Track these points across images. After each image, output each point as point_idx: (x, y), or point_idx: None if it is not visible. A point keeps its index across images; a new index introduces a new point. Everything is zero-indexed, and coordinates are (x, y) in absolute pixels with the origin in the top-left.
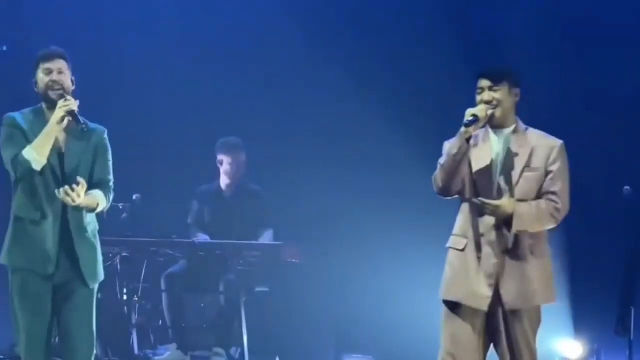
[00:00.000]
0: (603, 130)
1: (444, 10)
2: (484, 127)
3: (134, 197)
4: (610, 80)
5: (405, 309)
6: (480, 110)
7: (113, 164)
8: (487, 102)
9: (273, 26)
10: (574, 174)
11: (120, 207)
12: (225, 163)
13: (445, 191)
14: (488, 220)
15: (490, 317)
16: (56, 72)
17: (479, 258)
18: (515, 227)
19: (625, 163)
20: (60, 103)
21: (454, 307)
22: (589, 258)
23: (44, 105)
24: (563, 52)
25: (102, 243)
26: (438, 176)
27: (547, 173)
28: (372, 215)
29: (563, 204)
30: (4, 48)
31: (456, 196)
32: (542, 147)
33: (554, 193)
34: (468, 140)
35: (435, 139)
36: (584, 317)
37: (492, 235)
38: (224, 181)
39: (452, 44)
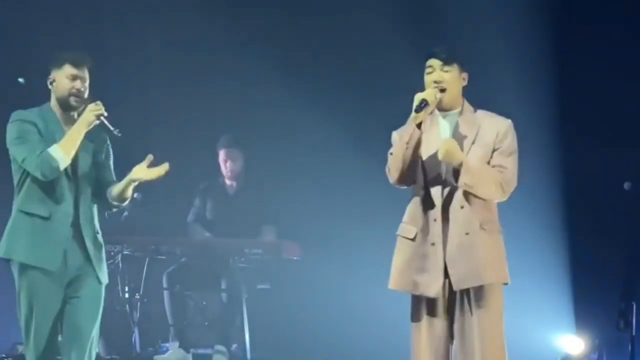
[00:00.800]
0: (603, 126)
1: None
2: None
3: (135, 195)
4: (608, 75)
5: (405, 304)
6: (428, 94)
7: (114, 162)
8: (437, 82)
9: (272, 24)
10: (576, 169)
11: (122, 206)
12: (226, 159)
13: (400, 181)
14: (439, 207)
15: (449, 306)
16: (81, 81)
17: (432, 244)
18: (463, 179)
19: (626, 158)
20: (92, 107)
21: (416, 298)
22: (590, 253)
23: (54, 106)
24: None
25: (104, 241)
26: (392, 167)
27: (495, 150)
28: (373, 211)
29: (510, 178)
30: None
31: (412, 185)
32: (489, 125)
33: (501, 166)
34: (419, 126)
35: None
36: (586, 312)
37: (443, 222)
38: (226, 178)
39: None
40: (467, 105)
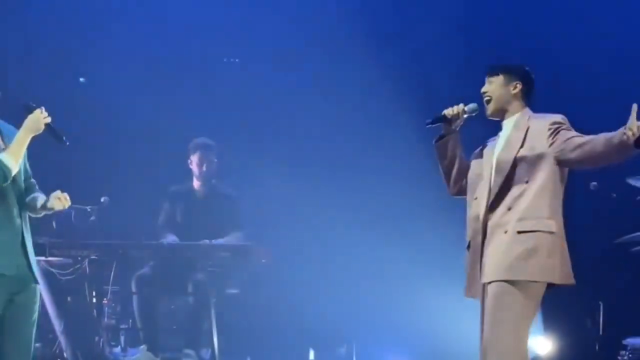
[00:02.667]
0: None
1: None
2: (456, 125)
3: (102, 199)
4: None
5: (376, 305)
6: (448, 109)
7: (82, 166)
8: (483, 93)
9: (246, 26)
10: None
11: (89, 210)
12: (196, 162)
13: (451, 191)
14: (483, 214)
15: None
16: None
17: (481, 255)
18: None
19: None
20: (39, 114)
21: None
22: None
23: None
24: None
25: (71, 246)
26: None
27: (549, 138)
28: (341, 215)
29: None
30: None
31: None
32: (537, 124)
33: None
34: (441, 138)
35: (408, 140)
36: (553, 313)
37: (488, 228)
38: (196, 182)
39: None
40: (525, 112)
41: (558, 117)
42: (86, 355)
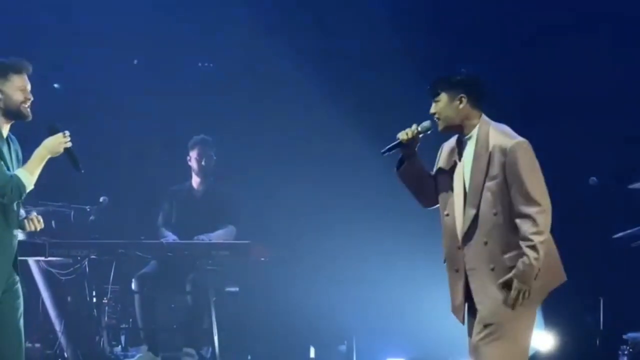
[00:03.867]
0: (570, 121)
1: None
2: (414, 147)
3: (101, 199)
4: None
5: (376, 302)
6: (402, 133)
7: (80, 165)
8: (432, 114)
9: (244, 26)
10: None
11: (88, 210)
12: (195, 158)
13: (424, 205)
14: (460, 237)
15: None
16: (29, 91)
17: (456, 271)
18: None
19: (590, 154)
20: (61, 138)
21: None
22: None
23: None
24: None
25: (71, 246)
26: None
27: (507, 181)
28: (338, 211)
29: (534, 218)
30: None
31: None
32: (496, 150)
33: (519, 216)
34: (403, 162)
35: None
36: (553, 308)
37: (466, 253)
38: (194, 181)
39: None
40: (482, 125)
41: (514, 148)
42: (87, 355)
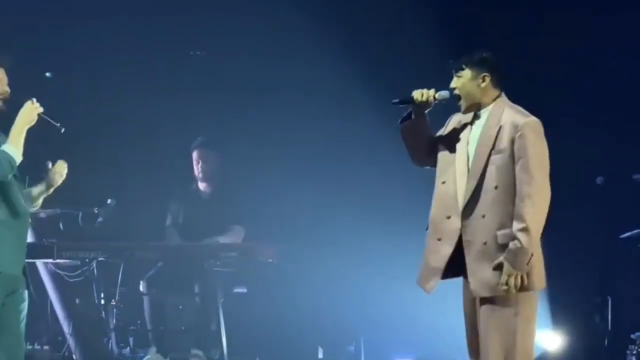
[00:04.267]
0: (577, 120)
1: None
2: (423, 108)
3: (109, 201)
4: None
5: (383, 303)
6: (418, 93)
7: (88, 168)
8: (452, 89)
9: (248, 26)
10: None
11: (96, 212)
12: (199, 160)
13: (415, 163)
14: (456, 207)
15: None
16: (5, 83)
17: (438, 240)
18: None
19: (599, 153)
20: (31, 105)
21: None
22: (565, 248)
23: None
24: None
25: (79, 248)
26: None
27: (514, 157)
28: (346, 212)
29: (536, 190)
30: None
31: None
32: (507, 125)
33: (518, 193)
34: (409, 116)
35: None
36: (561, 307)
37: (462, 223)
38: (201, 182)
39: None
40: (499, 102)
41: (525, 126)
42: (95, 357)
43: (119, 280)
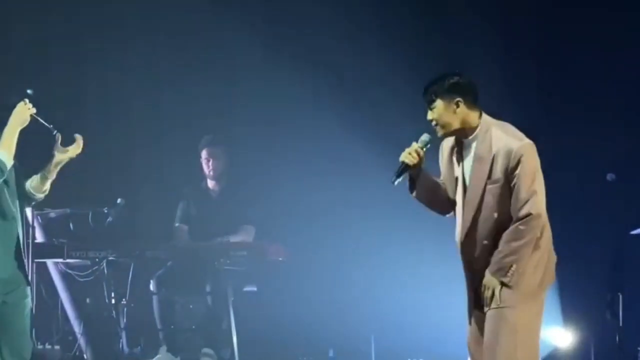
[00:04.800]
0: (586, 116)
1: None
2: (419, 165)
3: (118, 201)
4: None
5: (393, 302)
6: (407, 156)
7: (97, 168)
8: (431, 121)
9: (256, 27)
10: (558, 161)
11: (105, 211)
12: (208, 158)
13: (441, 214)
14: (460, 233)
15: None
16: None
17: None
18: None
19: (609, 150)
20: (23, 106)
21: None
22: (575, 245)
23: None
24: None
25: (89, 247)
26: None
27: (510, 183)
28: (356, 211)
29: (522, 224)
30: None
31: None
32: (501, 153)
33: (513, 212)
34: (414, 183)
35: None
36: (572, 304)
37: (466, 246)
38: (210, 180)
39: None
40: (483, 125)
41: (519, 152)
42: (106, 357)
43: (129, 280)
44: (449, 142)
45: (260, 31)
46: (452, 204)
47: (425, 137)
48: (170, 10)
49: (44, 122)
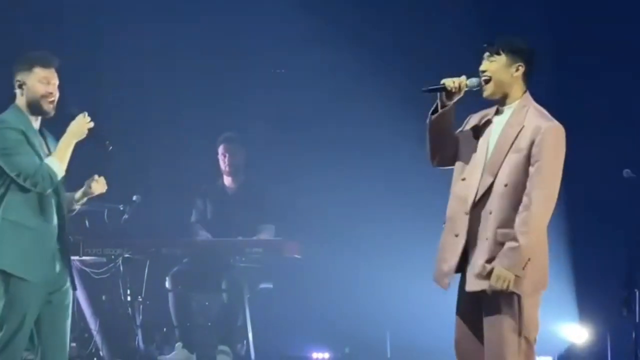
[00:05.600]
0: (603, 113)
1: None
2: (454, 98)
3: (134, 198)
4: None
5: (409, 301)
6: (449, 80)
7: (113, 165)
8: (482, 71)
9: (275, 23)
10: (575, 157)
11: (121, 209)
12: (225, 153)
13: (433, 161)
14: (470, 202)
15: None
16: (53, 85)
17: (456, 236)
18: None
19: (625, 145)
20: (82, 119)
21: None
22: (591, 241)
23: (24, 109)
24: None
25: (105, 245)
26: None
27: (531, 159)
28: (372, 209)
29: (534, 204)
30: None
31: (449, 167)
32: (530, 129)
33: (527, 195)
34: (437, 109)
35: None
36: (589, 301)
37: (472, 218)
38: (226, 178)
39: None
40: (524, 100)
41: (548, 130)
42: (122, 354)
43: (145, 277)
44: (478, 113)
45: (278, 25)
46: (449, 161)
47: (475, 80)
48: (189, 8)
49: (101, 138)
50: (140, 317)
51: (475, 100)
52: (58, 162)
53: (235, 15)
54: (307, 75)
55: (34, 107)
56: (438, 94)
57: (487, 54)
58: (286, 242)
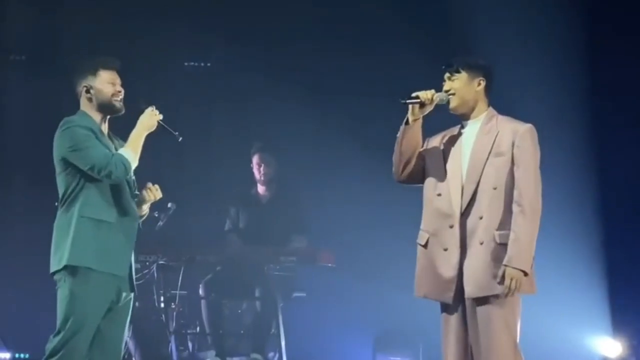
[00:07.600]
0: (629, 119)
1: None
2: (424, 112)
3: (169, 205)
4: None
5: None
6: (423, 93)
7: (148, 173)
8: (447, 92)
9: (307, 29)
10: (611, 164)
11: (156, 216)
12: (260, 163)
13: (400, 177)
14: (457, 214)
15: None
16: (118, 84)
17: (445, 250)
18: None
19: None
20: (151, 112)
21: (443, 305)
22: (626, 254)
23: (91, 113)
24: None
25: (139, 251)
26: (393, 162)
27: (515, 160)
28: (407, 218)
29: (531, 199)
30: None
31: (415, 184)
32: (507, 132)
33: (519, 193)
34: (412, 120)
35: None
36: (622, 313)
37: (460, 229)
38: (260, 187)
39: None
40: (490, 112)
41: (527, 131)
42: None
43: (179, 284)
44: (443, 131)
45: (308, 32)
46: (416, 177)
47: (443, 95)
48: (224, 19)
49: (169, 129)
50: (174, 323)
51: (438, 117)
52: (131, 151)
53: (268, 23)
54: (339, 83)
55: (107, 108)
56: (410, 107)
57: (447, 74)
58: (320, 250)
